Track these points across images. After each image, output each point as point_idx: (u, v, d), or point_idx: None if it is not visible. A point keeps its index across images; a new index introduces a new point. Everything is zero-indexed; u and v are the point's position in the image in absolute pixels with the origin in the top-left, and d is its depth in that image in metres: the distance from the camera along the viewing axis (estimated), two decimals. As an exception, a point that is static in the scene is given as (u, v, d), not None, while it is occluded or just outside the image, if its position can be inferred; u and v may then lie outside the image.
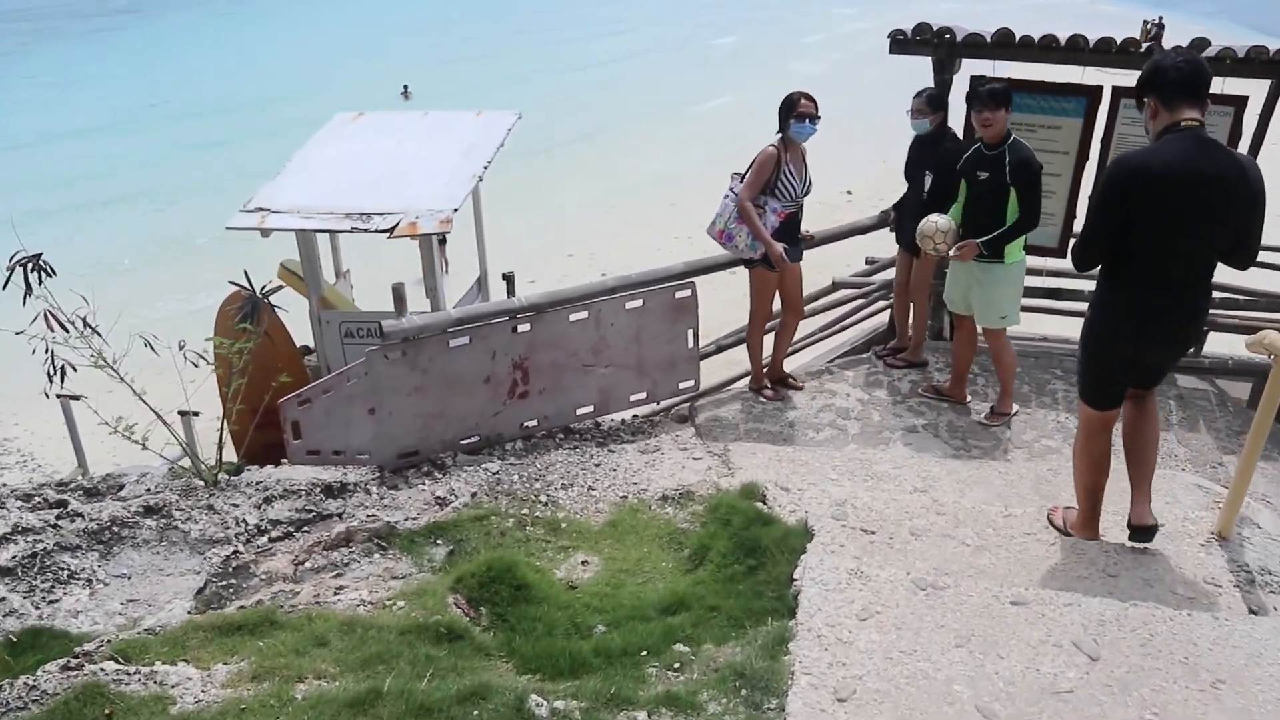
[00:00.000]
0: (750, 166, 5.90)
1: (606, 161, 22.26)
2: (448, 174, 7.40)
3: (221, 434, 5.63)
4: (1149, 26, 6.30)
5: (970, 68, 6.59)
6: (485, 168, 7.54)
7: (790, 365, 7.35)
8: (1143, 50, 6.21)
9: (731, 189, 6.00)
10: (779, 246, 5.83)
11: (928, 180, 6.16)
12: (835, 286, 7.37)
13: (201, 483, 5.13)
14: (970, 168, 5.75)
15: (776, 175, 5.83)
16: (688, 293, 6.16)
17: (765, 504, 4.94)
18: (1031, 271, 6.37)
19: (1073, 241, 3.77)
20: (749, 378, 6.68)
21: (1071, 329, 8.83)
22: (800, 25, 35.83)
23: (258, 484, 5.13)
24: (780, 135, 5.89)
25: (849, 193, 16.92)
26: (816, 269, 11.46)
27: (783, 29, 35.93)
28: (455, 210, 6.90)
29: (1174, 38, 6.23)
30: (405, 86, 31.61)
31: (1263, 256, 8.39)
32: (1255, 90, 6.51)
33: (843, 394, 6.50)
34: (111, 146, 26.35)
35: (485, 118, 8.56)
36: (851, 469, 5.50)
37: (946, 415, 6.23)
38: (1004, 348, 6.04)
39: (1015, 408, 6.20)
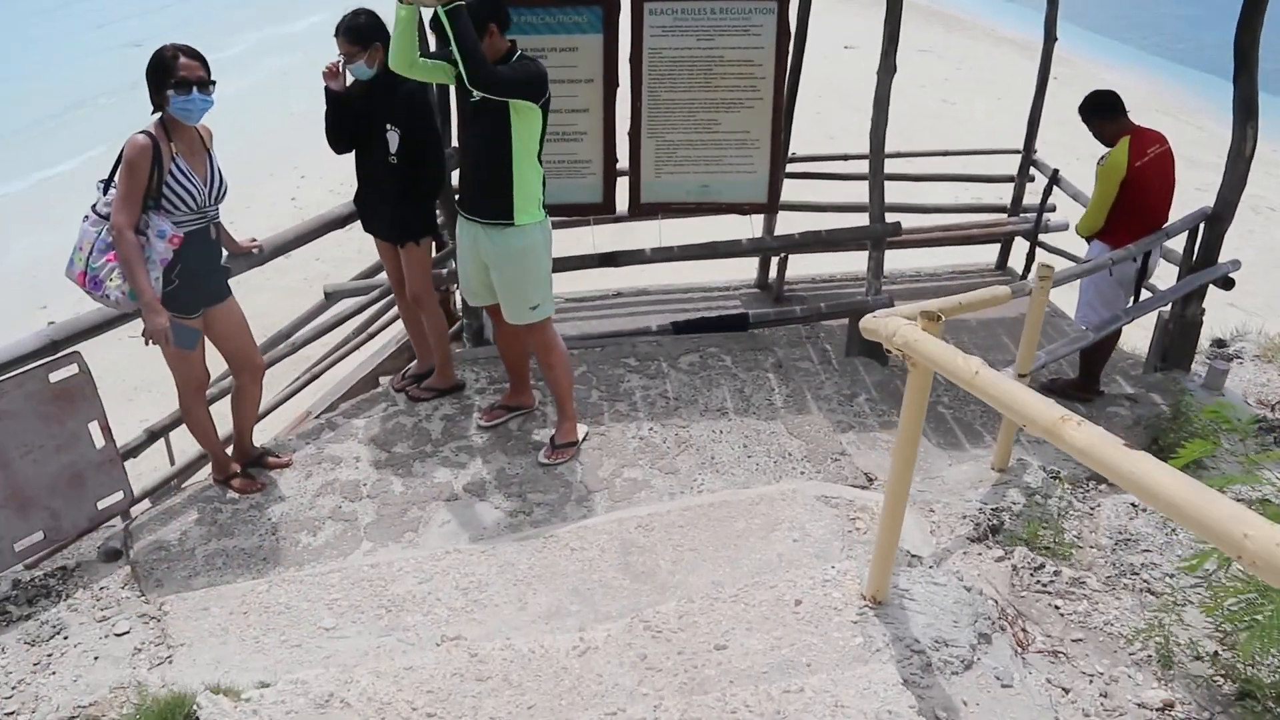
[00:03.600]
0: (116, 169, 3.66)
1: None
2: None
3: None
4: None
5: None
6: None
7: (276, 424, 5.22)
8: None
9: (94, 207, 3.73)
10: (163, 317, 3.67)
11: (393, 139, 4.23)
12: (329, 298, 5.28)
13: None
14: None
15: (159, 179, 3.62)
16: (73, 369, 3.84)
17: (203, 726, 2.90)
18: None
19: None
20: (212, 464, 4.48)
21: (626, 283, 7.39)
22: None
23: None
24: (158, 116, 3.69)
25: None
26: (306, 282, 9.14)
27: None
28: None
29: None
30: None
31: (820, 167, 7.62)
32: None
33: (350, 459, 4.48)
34: None
35: None
36: (358, 602, 3.53)
37: (497, 459, 4.45)
38: (550, 349, 4.34)
39: (583, 431, 4.56)
